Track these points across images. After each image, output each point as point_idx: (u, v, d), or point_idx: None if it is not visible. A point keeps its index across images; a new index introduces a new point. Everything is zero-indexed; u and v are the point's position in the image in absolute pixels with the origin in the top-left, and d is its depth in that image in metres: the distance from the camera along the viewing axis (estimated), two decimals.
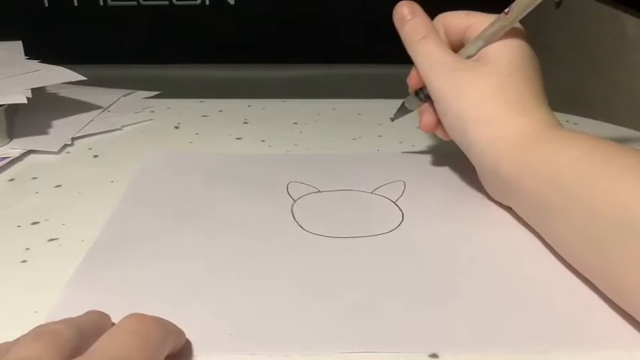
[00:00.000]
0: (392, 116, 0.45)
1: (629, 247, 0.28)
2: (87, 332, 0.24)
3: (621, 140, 0.49)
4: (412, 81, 0.42)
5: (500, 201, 0.39)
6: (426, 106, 0.42)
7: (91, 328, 0.24)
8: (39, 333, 0.23)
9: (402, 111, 0.44)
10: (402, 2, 0.41)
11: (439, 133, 0.42)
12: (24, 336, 0.23)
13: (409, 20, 0.40)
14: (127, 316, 0.24)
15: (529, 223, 0.36)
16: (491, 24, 0.38)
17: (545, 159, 0.33)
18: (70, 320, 0.24)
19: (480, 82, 0.37)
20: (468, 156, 0.39)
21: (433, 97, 0.39)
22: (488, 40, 0.38)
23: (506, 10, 0.37)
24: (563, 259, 0.33)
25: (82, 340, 0.23)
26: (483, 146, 0.36)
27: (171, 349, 0.25)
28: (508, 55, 0.37)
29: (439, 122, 0.41)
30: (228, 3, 1.10)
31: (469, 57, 0.39)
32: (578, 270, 0.32)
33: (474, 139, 0.37)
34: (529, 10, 0.37)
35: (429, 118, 0.41)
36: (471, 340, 0.28)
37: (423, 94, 0.41)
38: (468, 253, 0.35)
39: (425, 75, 0.39)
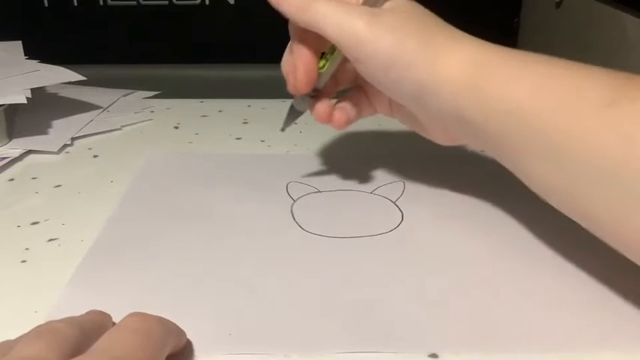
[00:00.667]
0: (281, 126, 0.40)
1: (610, 193, 0.27)
2: (88, 331, 0.24)
3: None
4: (301, 80, 0.36)
5: (457, 143, 0.37)
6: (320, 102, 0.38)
7: (93, 327, 0.24)
8: (40, 332, 0.22)
9: (293, 115, 0.40)
10: None
11: (336, 121, 0.38)
12: (26, 334, 0.23)
13: None
14: (128, 315, 0.24)
15: (501, 162, 0.34)
16: None
17: (505, 87, 0.31)
18: (72, 319, 0.24)
19: (407, 22, 0.34)
20: (415, 105, 0.35)
21: (368, 52, 0.33)
22: (374, 2, 0.35)
23: None
24: (563, 259, 0.33)
25: (83, 338, 0.23)
26: (437, 85, 0.33)
27: (172, 348, 0.25)
28: (408, 4, 0.35)
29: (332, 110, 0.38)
30: (228, 3, 1.10)
31: None
32: (553, 205, 0.31)
33: (426, 80, 0.33)
34: None
35: (324, 106, 0.38)
36: (471, 340, 0.28)
37: (313, 92, 0.38)
38: (467, 253, 0.35)
39: (349, 32, 0.33)
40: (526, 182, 0.32)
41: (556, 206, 0.31)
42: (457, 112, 0.33)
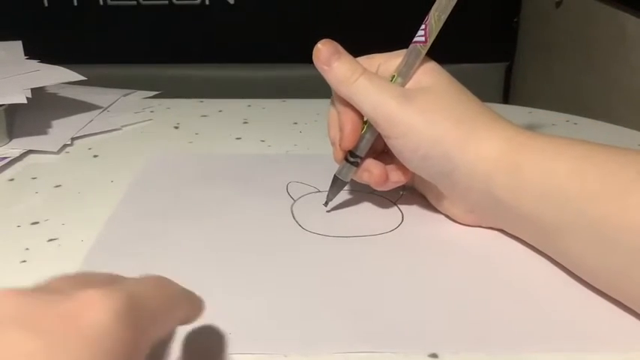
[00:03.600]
0: (325, 202, 0.39)
1: None
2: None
3: (620, 140, 0.49)
4: (348, 136, 0.36)
5: (479, 224, 0.37)
6: (367, 163, 0.37)
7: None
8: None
9: (337, 187, 0.38)
10: (322, 42, 0.36)
11: (393, 182, 0.38)
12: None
13: (337, 60, 0.36)
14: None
15: (529, 242, 0.34)
16: (405, 57, 0.35)
17: (542, 169, 0.32)
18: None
19: (440, 102, 0.35)
20: (443, 182, 0.36)
21: (399, 132, 0.34)
22: (406, 74, 0.35)
23: (419, 39, 0.35)
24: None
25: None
26: (471, 165, 0.34)
27: (185, 316, 0.25)
28: (441, 79, 0.35)
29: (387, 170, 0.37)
30: (228, 3, 1.11)
31: None
32: (597, 287, 0.31)
33: (460, 160, 0.34)
34: (439, 30, 0.35)
35: (380, 170, 0.37)
36: (471, 340, 0.28)
37: (354, 159, 0.37)
38: (467, 253, 0.35)
39: (382, 113, 0.34)
40: (562, 261, 0.33)
41: (597, 286, 0.31)
42: (489, 191, 0.34)
